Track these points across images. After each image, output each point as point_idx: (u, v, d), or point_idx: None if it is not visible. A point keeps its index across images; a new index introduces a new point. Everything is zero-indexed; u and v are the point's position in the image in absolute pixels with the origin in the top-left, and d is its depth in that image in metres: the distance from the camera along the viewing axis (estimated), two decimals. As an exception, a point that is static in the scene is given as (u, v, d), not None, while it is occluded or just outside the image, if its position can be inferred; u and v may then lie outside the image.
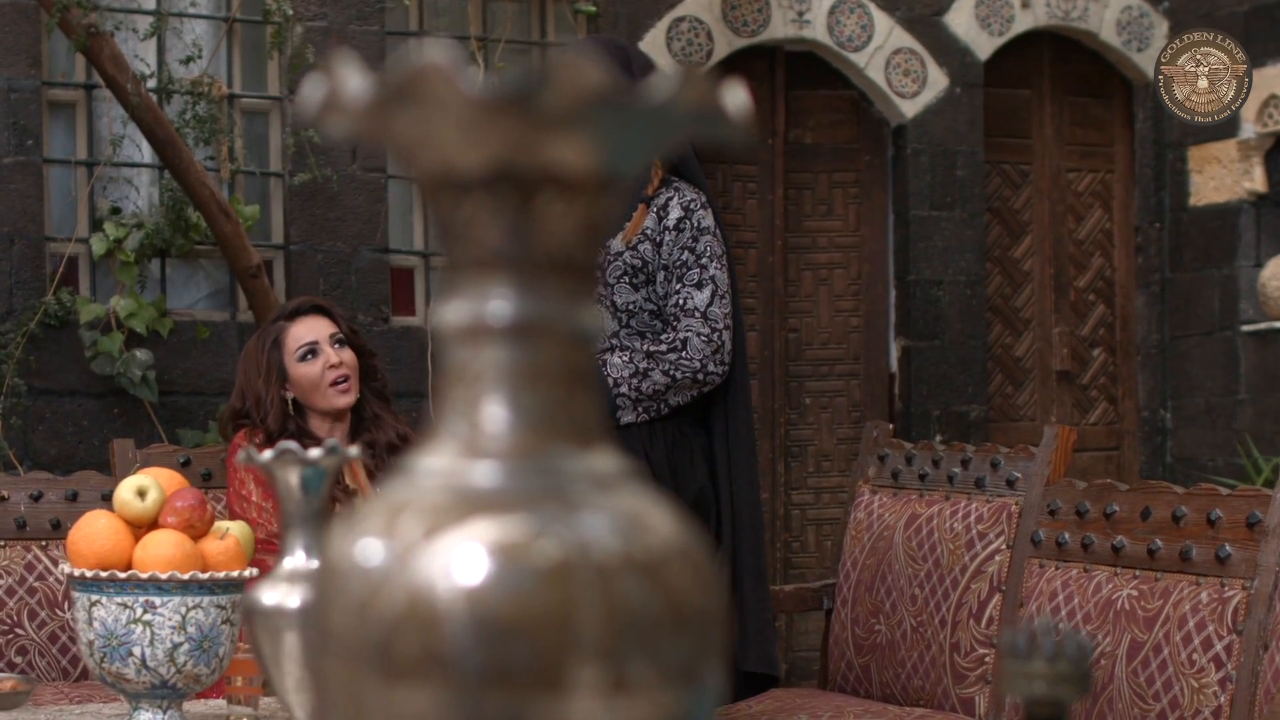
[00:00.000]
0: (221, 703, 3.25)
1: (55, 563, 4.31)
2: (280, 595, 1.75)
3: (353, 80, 0.74)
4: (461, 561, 0.72)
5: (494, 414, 0.76)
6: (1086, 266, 7.84)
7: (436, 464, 0.77)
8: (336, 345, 4.24)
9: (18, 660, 4.22)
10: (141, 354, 5.83)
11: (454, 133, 0.72)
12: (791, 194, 7.32)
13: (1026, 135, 7.70)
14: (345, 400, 4.21)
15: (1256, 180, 7.42)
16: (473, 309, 0.77)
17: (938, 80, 7.34)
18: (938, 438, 7.13)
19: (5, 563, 4.31)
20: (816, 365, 7.32)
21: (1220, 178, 7.55)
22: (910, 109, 7.30)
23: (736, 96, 0.73)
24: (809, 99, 7.30)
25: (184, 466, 4.54)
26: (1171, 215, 7.77)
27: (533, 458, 0.76)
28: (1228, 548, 3.60)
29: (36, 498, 4.40)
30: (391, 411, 4.34)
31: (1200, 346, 7.65)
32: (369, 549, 0.74)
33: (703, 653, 0.74)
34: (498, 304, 0.76)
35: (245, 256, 5.66)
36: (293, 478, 1.75)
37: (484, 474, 0.76)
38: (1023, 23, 7.52)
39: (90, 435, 5.88)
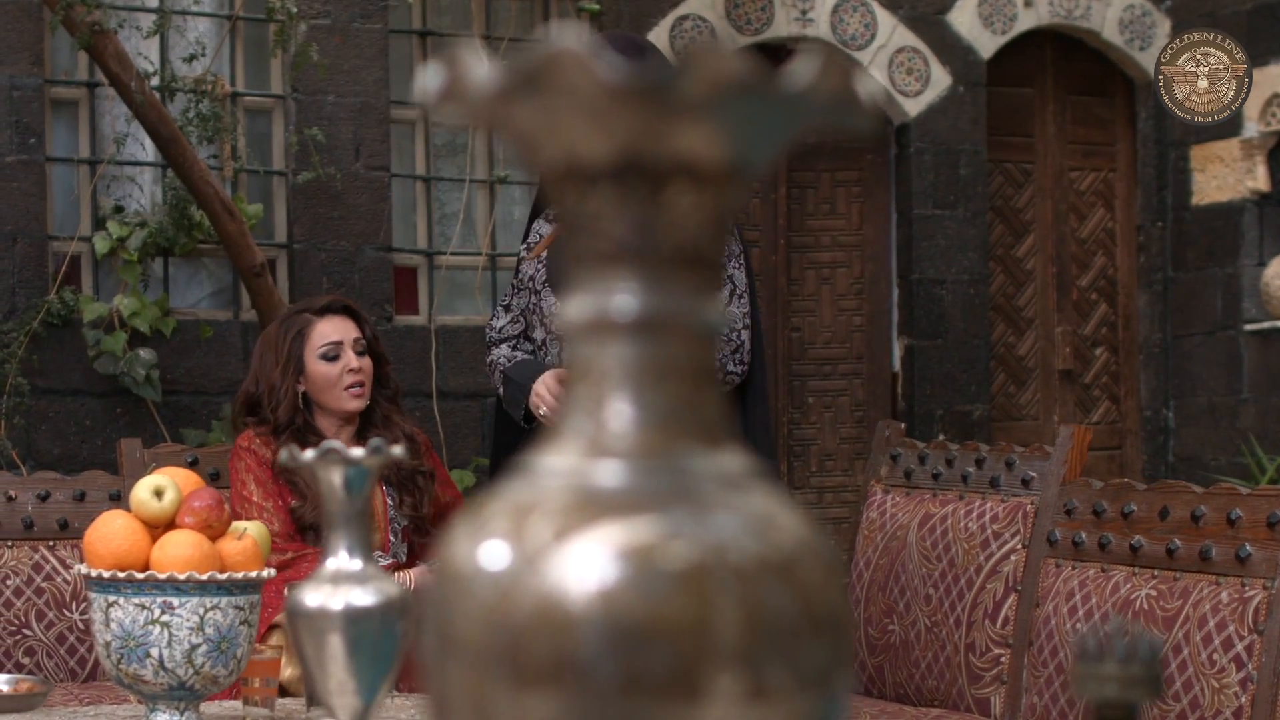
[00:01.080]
0: (237, 704, 3.23)
1: (63, 563, 4.28)
2: (324, 597, 1.73)
3: (478, 68, 0.71)
4: (593, 565, 0.70)
5: (620, 412, 0.74)
6: (1089, 265, 7.82)
7: (560, 463, 0.75)
8: (359, 352, 4.21)
9: (25, 661, 4.20)
10: (145, 353, 5.80)
11: (583, 122, 0.70)
12: (794, 193, 7.31)
13: (1029, 134, 7.69)
14: (356, 405, 4.19)
15: (1259, 179, 7.41)
16: (597, 304, 0.75)
17: (940, 79, 7.32)
18: (940, 437, 7.11)
19: (13, 563, 4.28)
20: (819, 364, 7.30)
21: (1223, 177, 7.54)
22: (913, 108, 7.29)
23: (869, 84, 0.71)
24: (812, 97, 7.27)
25: (192, 466, 4.51)
26: (1174, 214, 7.76)
27: (660, 457, 0.73)
28: (1248, 547, 3.58)
29: (44, 498, 4.37)
30: (401, 411, 4.31)
31: (1203, 346, 7.64)
32: (495, 552, 0.72)
33: (837, 656, 0.72)
34: (623, 298, 0.74)
35: (249, 255, 5.64)
36: (336, 478, 1.73)
37: (610, 474, 0.73)
38: (1025, 21, 7.51)
39: (93, 435, 5.85)
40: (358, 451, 1.75)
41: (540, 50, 0.69)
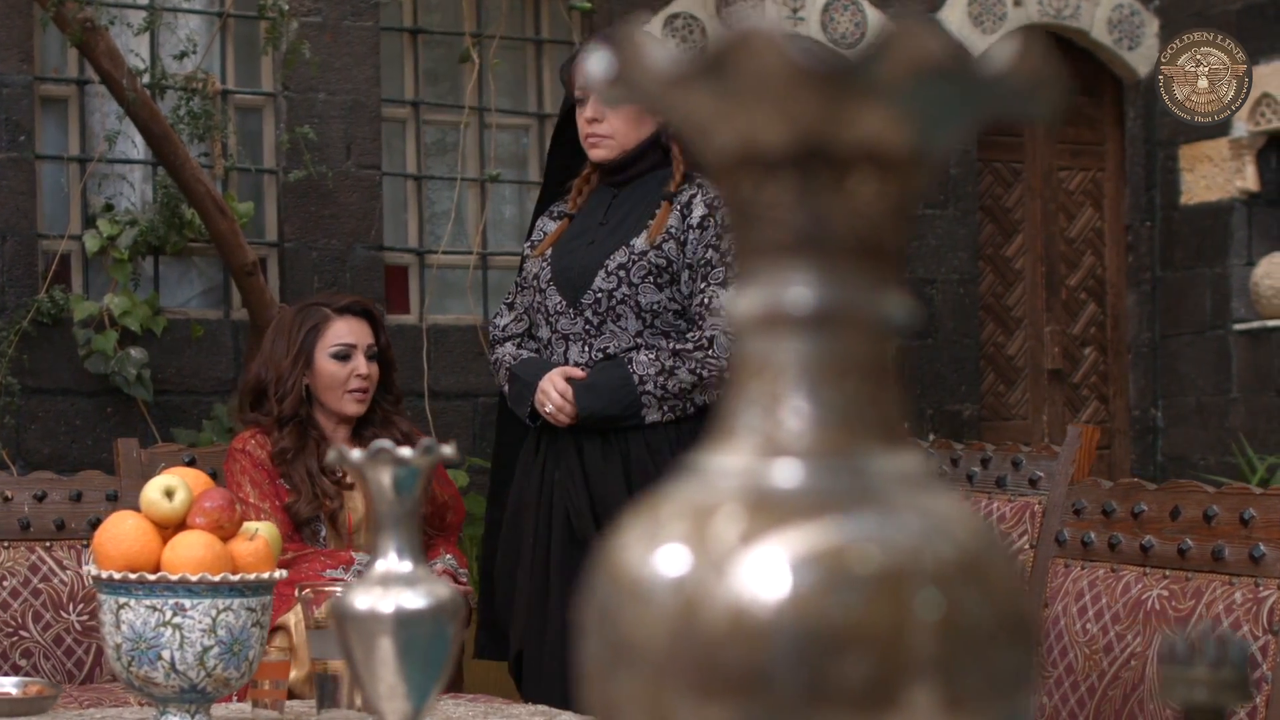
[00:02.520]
0: (245, 706, 3.19)
1: (60, 564, 4.24)
2: (374, 599, 1.69)
3: (656, 50, 0.68)
4: (784, 570, 0.67)
5: (797, 409, 0.71)
6: (1078, 265, 7.82)
7: (733, 463, 0.72)
8: (369, 357, 4.19)
9: (23, 662, 4.15)
10: (136, 352, 5.76)
11: (766, 106, 0.67)
12: (784, 192, 7.28)
13: (1018, 133, 7.68)
14: (355, 409, 4.17)
15: (1248, 179, 7.41)
16: (770, 297, 0.72)
17: (931, 78, 7.31)
18: (931, 436, 7.10)
19: (9, 564, 4.24)
20: (809, 364, 7.28)
21: (1212, 176, 7.54)
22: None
23: (1060, 70, 0.68)
24: (802, 96, 7.26)
25: (188, 466, 4.47)
26: (1163, 214, 7.76)
27: (839, 456, 0.70)
28: (1262, 547, 3.56)
29: (41, 498, 4.33)
30: (401, 411, 4.29)
31: (1191, 345, 7.64)
32: (675, 557, 0.69)
33: (1027, 661, 0.69)
34: (799, 291, 0.71)
35: (241, 254, 5.60)
36: (385, 478, 1.69)
37: (789, 474, 0.70)
38: (1015, 20, 7.50)
39: (83, 434, 5.80)
40: (407, 451, 1.72)
41: (725, 32, 0.66)
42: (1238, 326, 7.42)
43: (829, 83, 0.66)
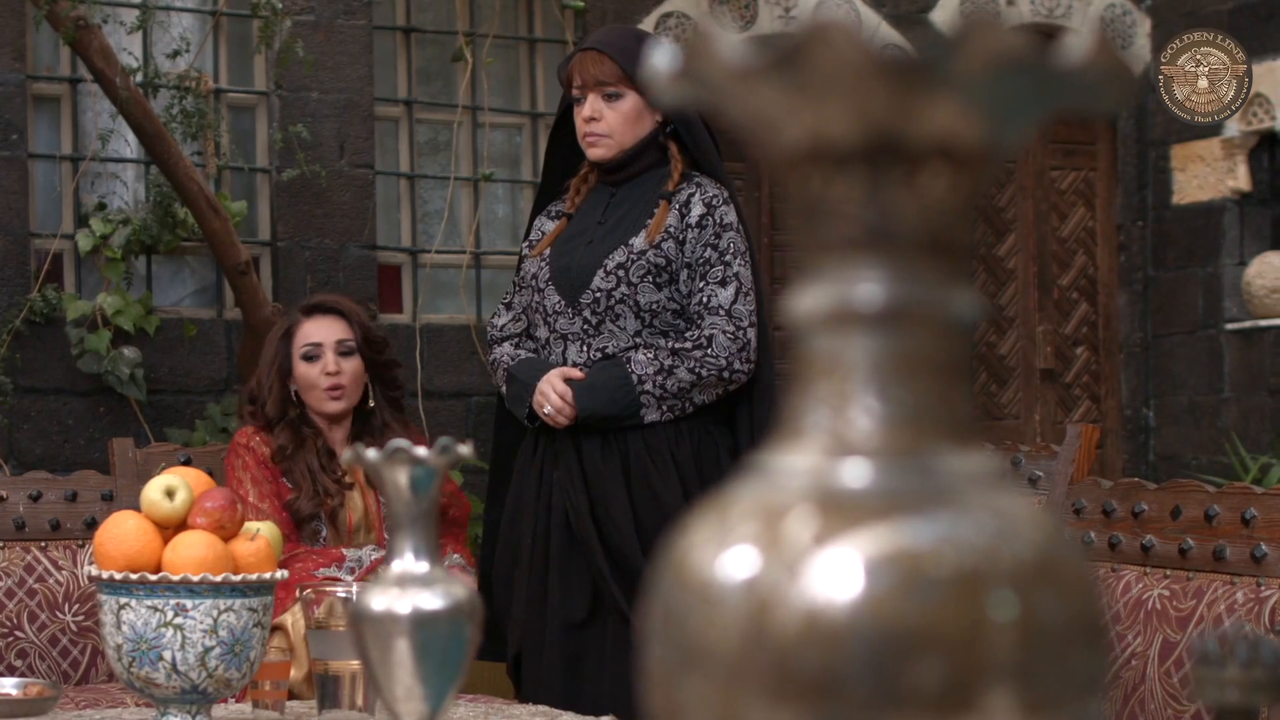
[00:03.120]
0: (246, 707, 3.18)
1: (55, 564, 4.22)
2: (390, 600, 1.68)
3: (727, 43, 0.67)
4: (860, 571, 0.66)
5: (866, 408, 0.70)
6: (1070, 265, 7.82)
7: (800, 463, 0.71)
8: (342, 353, 4.18)
9: (18, 664, 4.13)
10: (129, 351, 5.74)
11: (839, 100, 0.66)
12: (777, 191, 7.27)
13: (1010, 133, 7.67)
14: (334, 407, 4.17)
15: (1240, 178, 7.41)
16: (838, 294, 0.71)
17: (924, 77, 7.31)
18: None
19: (4, 564, 4.21)
20: (802, 364, 7.27)
21: (1203, 176, 7.54)
22: (896, 106, 7.26)
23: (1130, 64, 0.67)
24: (795, 95, 7.25)
25: (184, 465, 4.46)
26: (1154, 213, 7.76)
27: (910, 455, 0.69)
28: (1263, 547, 3.56)
29: (35, 498, 4.31)
30: (403, 419, 4.28)
31: (1183, 345, 7.64)
32: (747, 558, 0.68)
33: (1103, 662, 0.68)
34: (868, 287, 0.70)
35: (234, 253, 5.58)
36: (401, 477, 1.68)
37: (857, 474, 0.69)
38: (1007, 20, 7.47)
39: (76, 434, 5.78)
40: (423, 451, 1.71)
41: (803, 24, 0.65)
42: (1230, 326, 7.42)
43: (903, 76, 0.65)
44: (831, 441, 0.70)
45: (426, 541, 1.71)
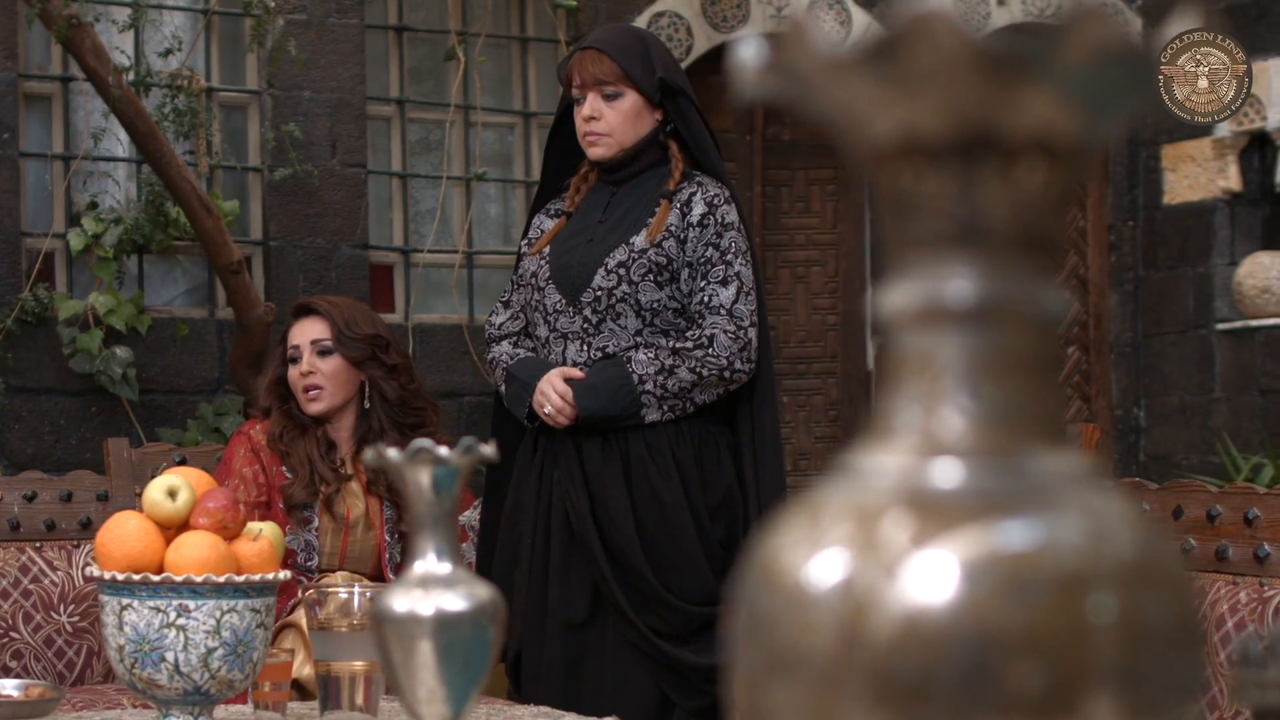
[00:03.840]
0: (246, 708, 3.16)
1: (50, 565, 4.20)
2: (413, 601, 1.66)
3: (821, 35, 0.66)
4: (961, 574, 0.64)
5: (959, 406, 0.68)
6: (1060, 264, 7.82)
7: (891, 462, 0.69)
8: (319, 353, 4.18)
9: (13, 665, 4.11)
10: (121, 351, 5.72)
11: (934, 92, 0.65)
12: (769, 191, 7.27)
13: (1001, 133, 7.67)
14: (313, 408, 4.20)
15: (1231, 178, 7.42)
16: (930, 290, 0.69)
17: (915, 77, 7.30)
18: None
19: (0, 565, 4.20)
20: (794, 364, 7.26)
21: (1194, 176, 7.54)
22: (888, 106, 7.25)
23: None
24: (787, 95, 7.24)
25: (180, 465, 4.44)
26: (1145, 213, 7.76)
27: (1003, 455, 0.68)
28: (1266, 547, 3.56)
29: (30, 498, 4.28)
30: (400, 427, 4.24)
31: (1174, 345, 7.64)
32: (841, 560, 0.66)
33: (1201, 664, 0.67)
34: (959, 284, 0.69)
35: (226, 252, 5.56)
36: (424, 477, 1.67)
37: (950, 474, 0.68)
38: (999, 19, 7.49)
39: (67, 434, 5.75)
40: (446, 451, 1.69)
41: (904, 14, 0.64)
42: (1221, 326, 7.42)
43: (1005, 67, 0.64)
44: (923, 441, 0.69)
45: (449, 542, 1.70)
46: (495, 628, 1.69)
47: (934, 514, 0.66)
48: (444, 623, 1.66)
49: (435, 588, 1.68)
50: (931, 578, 0.65)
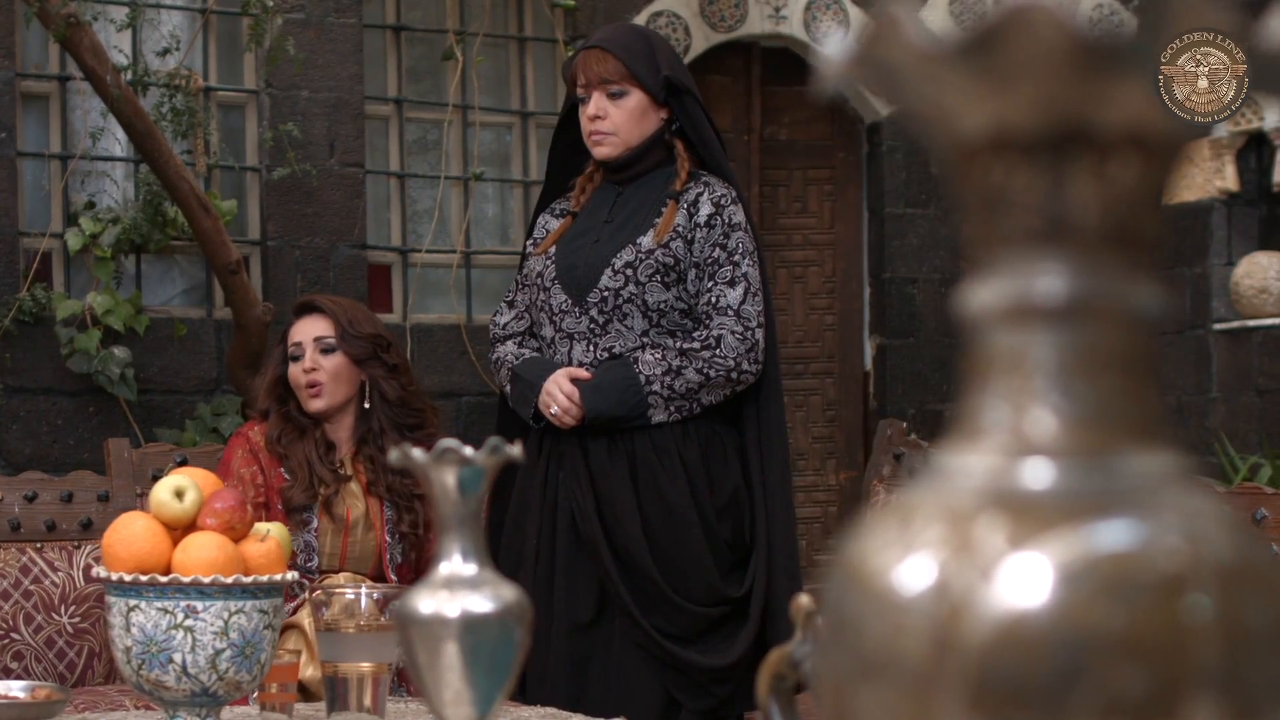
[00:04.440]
0: (252, 709, 3.15)
1: (51, 565, 4.18)
2: (439, 603, 1.65)
3: (915, 28, 0.65)
4: (1060, 577, 0.63)
5: (1050, 406, 0.67)
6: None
7: (980, 463, 0.68)
8: (322, 351, 4.17)
9: (14, 666, 4.09)
10: (120, 351, 5.70)
11: (1026, 86, 0.64)
12: (766, 190, 7.26)
13: (999, 133, 7.66)
14: (314, 405, 4.18)
15: (1228, 179, 7.42)
16: (1020, 288, 0.68)
17: (913, 77, 7.29)
18: (913, 436, 7.07)
19: (0, 566, 4.18)
20: (791, 363, 7.25)
21: (1191, 176, 7.54)
22: (885, 106, 7.24)
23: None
24: (784, 95, 7.24)
25: (181, 466, 4.42)
26: (1142, 213, 7.76)
27: (1095, 455, 0.67)
28: (1275, 547, 3.55)
29: (31, 499, 4.27)
30: (399, 429, 4.22)
31: (1171, 345, 7.64)
32: (934, 563, 0.65)
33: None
34: (1049, 281, 0.68)
35: (225, 252, 5.54)
36: (449, 478, 1.65)
37: (1041, 475, 0.67)
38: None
39: (65, 434, 5.74)
40: (472, 451, 1.68)
41: (1005, 5, 0.63)
42: (1218, 326, 7.43)
43: (1097, 61, 0.63)
44: (1013, 441, 0.68)
45: (475, 543, 1.68)
46: (521, 629, 1.68)
47: (1028, 516, 0.65)
48: (470, 624, 1.65)
49: (461, 589, 1.66)
50: (1028, 580, 0.63)
